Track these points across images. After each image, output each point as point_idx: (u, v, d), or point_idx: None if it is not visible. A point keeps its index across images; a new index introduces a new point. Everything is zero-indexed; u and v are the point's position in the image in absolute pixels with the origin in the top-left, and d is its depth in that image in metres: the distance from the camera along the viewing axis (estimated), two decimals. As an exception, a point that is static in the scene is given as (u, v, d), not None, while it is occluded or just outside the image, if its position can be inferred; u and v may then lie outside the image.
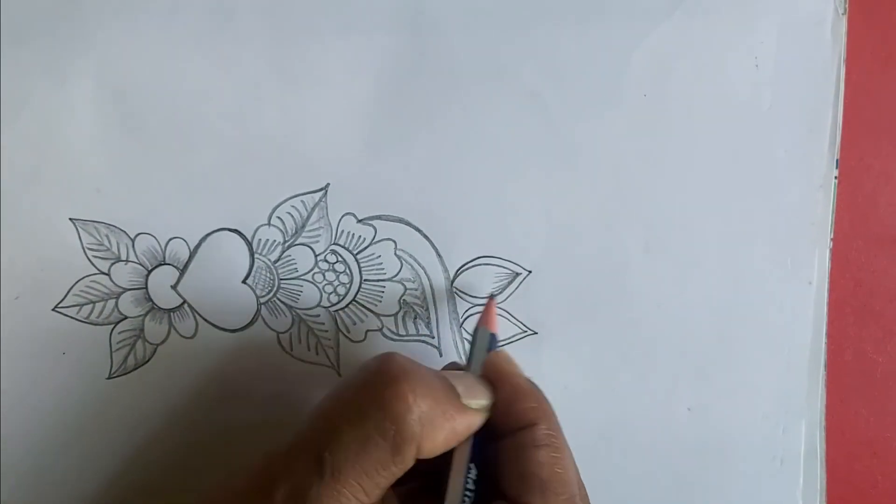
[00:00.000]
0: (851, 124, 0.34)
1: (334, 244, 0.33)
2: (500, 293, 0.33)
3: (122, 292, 0.33)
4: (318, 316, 0.33)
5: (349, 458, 0.23)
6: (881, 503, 0.35)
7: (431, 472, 0.26)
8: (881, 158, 0.35)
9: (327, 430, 0.24)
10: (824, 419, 0.34)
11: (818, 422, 0.33)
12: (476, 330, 0.30)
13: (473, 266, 0.33)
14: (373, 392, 0.24)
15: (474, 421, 0.26)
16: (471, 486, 0.26)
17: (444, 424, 0.25)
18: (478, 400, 0.26)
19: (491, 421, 0.27)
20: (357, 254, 0.33)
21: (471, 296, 0.33)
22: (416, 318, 0.33)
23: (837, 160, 0.33)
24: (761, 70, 0.33)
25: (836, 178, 0.33)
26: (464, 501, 0.25)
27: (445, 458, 0.26)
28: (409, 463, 0.24)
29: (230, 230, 0.33)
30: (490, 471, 0.26)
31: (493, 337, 0.29)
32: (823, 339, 0.33)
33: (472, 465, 0.26)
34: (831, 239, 0.33)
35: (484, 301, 0.33)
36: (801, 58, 0.33)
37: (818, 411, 0.33)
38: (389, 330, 0.33)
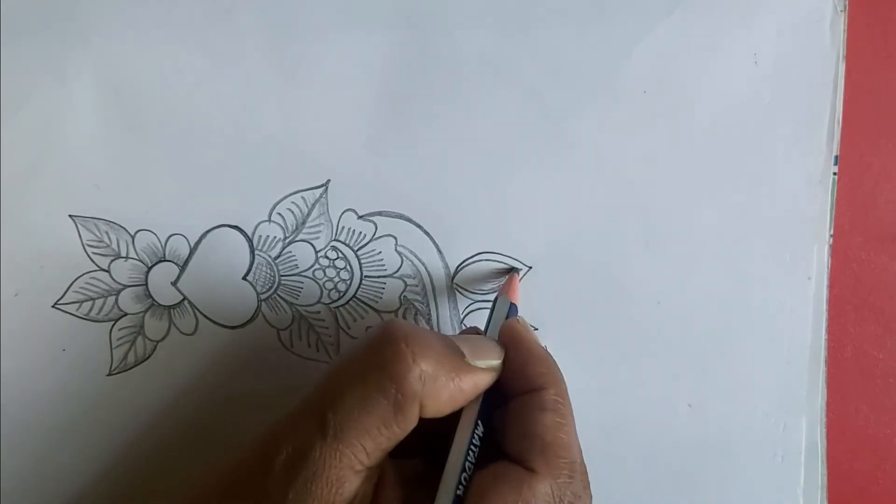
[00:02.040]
0: (851, 121, 0.34)
1: (335, 240, 0.33)
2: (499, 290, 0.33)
3: (123, 289, 0.33)
4: (319, 312, 0.33)
5: (352, 418, 0.23)
6: (882, 500, 0.35)
7: (438, 450, 0.26)
8: (880, 156, 0.35)
9: (330, 392, 0.24)
10: (825, 416, 0.33)
11: (819, 418, 0.33)
12: (496, 298, 0.30)
13: (474, 262, 0.33)
14: (374, 354, 0.24)
15: (481, 380, 0.26)
16: (476, 441, 0.26)
17: (447, 383, 0.25)
18: (485, 360, 0.27)
19: (501, 384, 0.27)
20: (357, 250, 0.33)
21: (471, 292, 0.33)
22: (416, 314, 0.33)
23: (836, 157, 0.33)
24: (760, 67, 0.33)
25: (835, 174, 0.33)
26: (468, 456, 0.25)
27: (453, 427, 0.26)
28: (411, 422, 0.24)
29: (230, 226, 0.33)
30: (496, 433, 0.27)
31: (512, 307, 0.30)
32: (824, 336, 0.33)
33: (479, 422, 0.26)
34: (831, 235, 0.33)
35: (483, 298, 0.33)
36: (800, 55, 0.33)
37: (819, 408, 0.33)
38: (390, 326, 0.33)
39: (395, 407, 0.24)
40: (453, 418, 0.26)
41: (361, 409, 0.24)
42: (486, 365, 0.27)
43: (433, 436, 0.26)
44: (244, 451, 0.25)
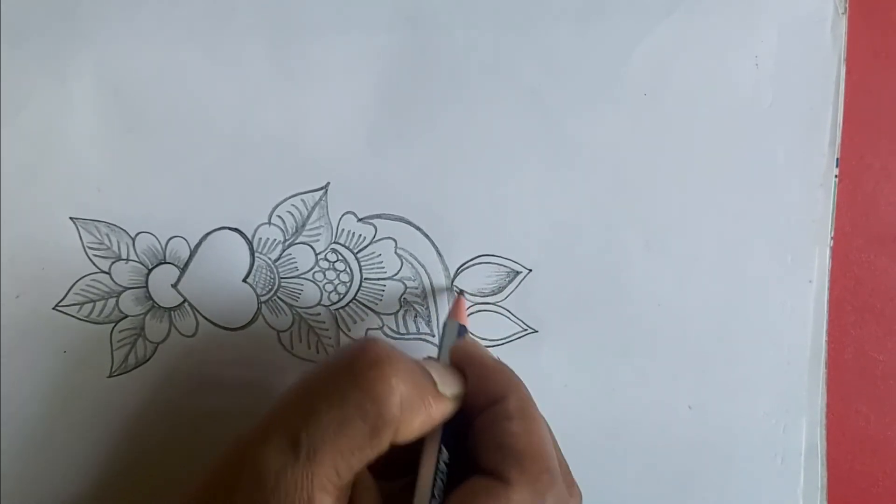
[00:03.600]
0: (852, 123, 0.34)
1: (335, 243, 0.33)
2: (500, 291, 0.33)
3: (123, 291, 0.33)
4: (319, 314, 0.33)
5: (326, 439, 0.23)
6: (882, 501, 0.35)
7: (412, 471, 0.26)
8: (881, 157, 0.35)
9: (304, 411, 0.23)
10: (825, 417, 0.33)
11: (819, 420, 0.33)
12: (446, 322, 0.30)
13: (474, 265, 0.33)
14: (354, 374, 0.24)
15: (448, 408, 0.26)
16: (442, 467, 0.26)
17: (421, 410, 0.24)
18: (451, 389, 0.26)
19: (465, 403, 0.27)
20: (357, 252, 0.33)
21: (471, 294, 0.33)
22: (416, 316, 0.33)
23: (838, 159, 0.33)
24: (761, 69, 0.33)
25: (836, 176, 0.33)
26: (435, 483, 0.25)
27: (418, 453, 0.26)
28: (383, 447, 0.24)
29: (231, 229, 0.33)
30: (469, 452, 0.26)
31: (461, 328, 0.30)
32: (824, 337, 0.33)
33: (442, 447, 0.26)
34: (832, 237, 0.33)
35: (483, 301, 0.33)
36: (801, 57, 0.33)
37: (819, 409, 0.33)
38: (390, 328, 0.33)
39: (371, 430, 0.23)
40: (419, 445, 0.26)
41: (337, 431, 0.23)
42: (451, 393, 0.26)
43: (401, 460, 0.26)
44: (213, 465, 0.24)
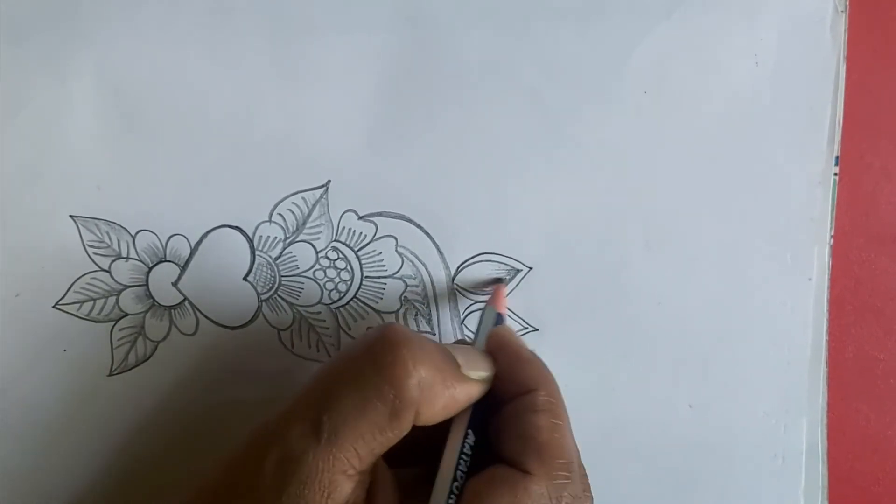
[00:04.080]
0: (851, 122, 0.34)
1: (335, 241, 0.33)
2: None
3: (123, 289, 0.33)
4: (320, 313, 0.33)
5: (347, 422, 0.23)
6: (883, 501, 0.35)
7: (432, 458, 0.26)
8: (881, 156, 0.35)
9: (326, 395, 0.24)
10: (825, 417, 0.33)
11: (819, 419, 0.33)
12: (484, 309, 0.30)
13: (474, 263, 0.33)
14: (373, 358, 0.24)
15: (474, 391, 0.26)
16: (467, 450, 0.26)
17: (443, 392, 0.25)
18: (478, 371, 0.27)
19: (494, 391, 0.27)
20: (358, 251, 0.33)
21: (472, 292, 0.33)
22: (416, 314, 0.33)
23: (837, 157, 0.33)
24: (761, 68, 0.33)
25: (835, 175, 0.33)
26: (459, 465, 0.25)
27: (445, 435, 0.26)
28: (405, 429, 0.24)
29: (231, 227, 0.33)
30: (492, 440, 0.27)
31: (499, 316, 0.30)
32: (824, 337, 0.33)
33: (469, 431, 0.26)
34: (831, 236, 0.33)
35: (483, 299, 0.33)
36: (801, 55, 0.33)
37: (819, 409, 0.33)
38: (390, 327, 0.33)
39: (391, 412, 0.24)
40: (446, 427, 0.26)
41: (358, 414, 0.23)
42: (477, 376, 0.26)
43: (425, 444, 0.26)
44: (235, 451, 0.25)
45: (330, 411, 0.23)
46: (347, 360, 0.25)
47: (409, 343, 0.24)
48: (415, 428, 0.25)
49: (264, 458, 0.23)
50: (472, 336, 0.33)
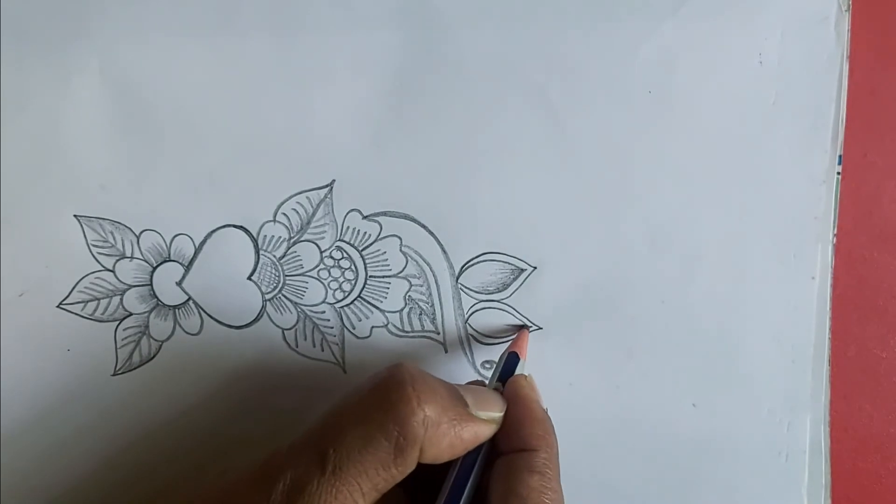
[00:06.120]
0: (855, 121, 0.34)
1: (339, 240, 0.33)
2: (505, 289, 0.33)
3: (127, 289, 0.33)
4: (324, 312, 0.33)
5: (351, 457, 0.24)
6: (886, 499, 0.35)
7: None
8: (885, 155, 0.35)
9: (333, 429, 0.25)
10: (829, 415, 0.34)
11: (823, 417, 0.33)
12: (507, 353, 0.30)
13: (479, 262, 0.33)
14: (379, 395, 0.25)
15: (482, 431, 0.27)
16: (470, 492, 0.26)
17: (448, 430, 0.25)
18: (487, 412, 0.27)
19: (495, 438, 0.27)
20: (362, 250, 0.33)
21: (476, 292, 0.33)
22: (421, 314, 0.33)
23: (840, 156, 0.33)
24: (765, 67, 0.33)
25: (838, 174, 0.33)
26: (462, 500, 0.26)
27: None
28: (409, 466, 0.25)
29: (235, 227, 0.33)
30: (483, 487, 0.27)
31: (520, 362, 0.30)
32: (827, 335, 0.33)
33: (473, 475, 0.26)
34: (835, 235, 0.33)
35: (487, 298, 0.33)
36: (804, 55, 0.33)
37: (822, 407, 0.33)
38: (395, 326, 0.33)
39: (395, 449, 0.24)
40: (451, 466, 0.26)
41: (362, 449, 0.24)
42: (487, 416, 0.27)
43: (431, 482, 0.26)
44: (242, 474, 0.25)
45: (335, 444, 0.24)
46: (356, 397, 0.26)
47: (415, 381, 0.25)
48: (420, 465, 0.25)
49: (271, 484, 0.24)
50: (475, 335, 0.33)
